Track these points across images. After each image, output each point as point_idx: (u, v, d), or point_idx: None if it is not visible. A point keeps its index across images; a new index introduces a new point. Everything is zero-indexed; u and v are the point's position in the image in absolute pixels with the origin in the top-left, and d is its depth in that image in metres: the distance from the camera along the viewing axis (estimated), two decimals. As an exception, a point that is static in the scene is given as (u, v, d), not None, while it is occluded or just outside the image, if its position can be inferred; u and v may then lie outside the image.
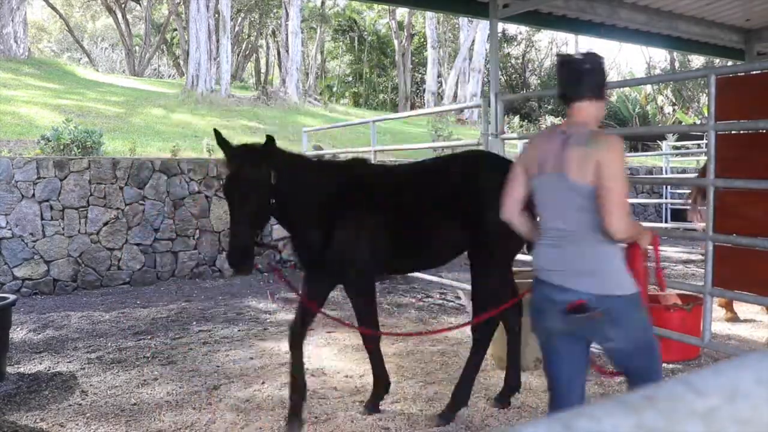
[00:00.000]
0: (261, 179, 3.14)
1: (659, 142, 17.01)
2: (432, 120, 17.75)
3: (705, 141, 4.84)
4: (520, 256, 4.14)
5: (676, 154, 13.83)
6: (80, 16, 34.34)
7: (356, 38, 32.83)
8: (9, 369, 4.63)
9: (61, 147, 8.65)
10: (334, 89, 32.99)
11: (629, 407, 0.30)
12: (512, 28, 26.69)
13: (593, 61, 2.37)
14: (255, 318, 6.27)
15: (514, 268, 3.94)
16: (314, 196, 3.45)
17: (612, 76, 32.20)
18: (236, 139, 3.70)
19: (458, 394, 3.65)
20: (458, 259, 4.15)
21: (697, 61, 24.00)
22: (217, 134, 3.24)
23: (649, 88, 21.97)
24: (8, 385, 4.36)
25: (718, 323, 5.51)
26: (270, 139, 3.18)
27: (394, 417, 3.73)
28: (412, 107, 27.44)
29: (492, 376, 4.37)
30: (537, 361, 4.28)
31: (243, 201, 3.10)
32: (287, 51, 22.00)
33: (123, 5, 28.87)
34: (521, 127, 20.11)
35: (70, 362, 4.86)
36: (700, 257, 9.07)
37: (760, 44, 7.45)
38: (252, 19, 28.44)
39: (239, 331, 5.77)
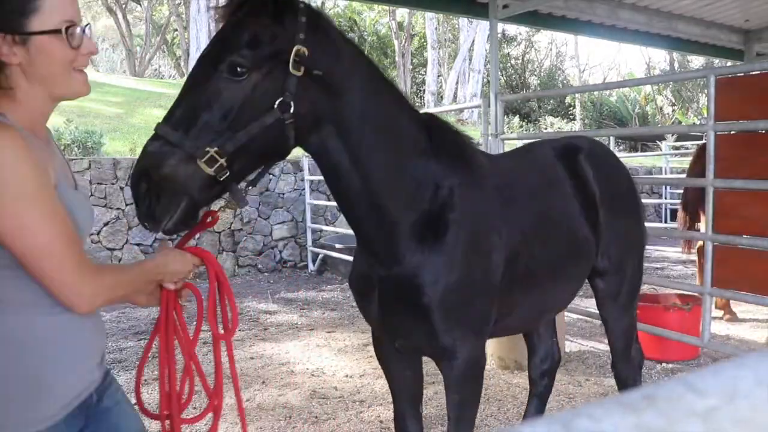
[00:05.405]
0: None
1: (659, 142, 17.05)
2: (432, 120, 17.73)
3: (704, 141, 4.85)
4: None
5: (676, 155, 13.86)
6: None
7: (356, 38, 32.87)
8: (9, 369, 4.63)
9: (62, 147, 8.61)
10: (334, 89, 32.98)
11: (629, 407, 0.31)
12: (512, 29, 26.69)
13: None
14: (255, 318, 6.27)
15: None
16: None
17: (612, 76, 32.23)
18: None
19: None
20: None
21: (696, 61, 24.02)
22: None
23: (648, 88, 22.00)
24: (8, 385, 4.36)
25: (717, 323, 5.51)
26: None
27: (394, 417, 3.73)
28: (412, 107, 27.40)
29: (491, 376, 4.36)
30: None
31: None
32: (287, 51, 21.97)
33: (123, 6, 28.90)
34: (521, 127, 20.12)
35: (70, 362, 4.86)
36: (699, 257, 9.06)
37: (760, 45, 7.46)
38: (252, 19, 28.41)
39: (239, 331, 5.77)
